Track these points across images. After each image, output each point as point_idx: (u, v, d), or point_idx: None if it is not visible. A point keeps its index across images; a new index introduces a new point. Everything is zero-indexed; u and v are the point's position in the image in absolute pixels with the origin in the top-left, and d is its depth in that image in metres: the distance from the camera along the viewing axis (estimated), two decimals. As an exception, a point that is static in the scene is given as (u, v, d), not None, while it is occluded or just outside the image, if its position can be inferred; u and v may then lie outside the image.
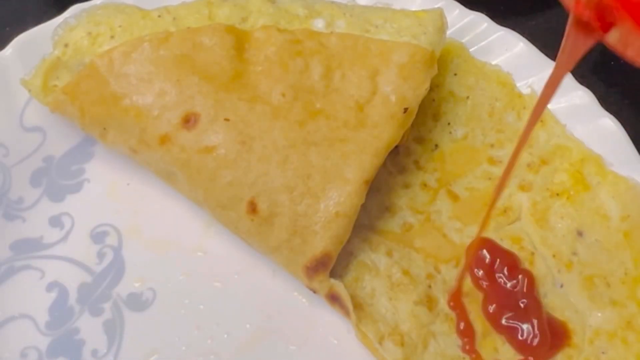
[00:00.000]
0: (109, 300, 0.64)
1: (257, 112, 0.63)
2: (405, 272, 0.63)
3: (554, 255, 0.64)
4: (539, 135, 0.70)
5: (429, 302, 0.62)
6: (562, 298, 0.63)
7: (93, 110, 0.65)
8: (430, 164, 0.70)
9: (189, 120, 0.63)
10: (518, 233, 0.66)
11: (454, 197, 0.68)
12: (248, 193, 0.61)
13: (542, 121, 0.70)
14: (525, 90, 0.72)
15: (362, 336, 0.61)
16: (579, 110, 0.70)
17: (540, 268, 0.64)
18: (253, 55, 0.65)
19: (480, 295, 0.63)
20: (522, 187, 0.68)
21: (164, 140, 0.63)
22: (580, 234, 0.65)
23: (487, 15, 0.76)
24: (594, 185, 0.66)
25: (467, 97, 0.73)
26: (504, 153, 0.70)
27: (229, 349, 0.62)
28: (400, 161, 0.70)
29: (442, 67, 0.73)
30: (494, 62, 0.74)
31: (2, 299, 0.64)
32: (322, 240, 0.60)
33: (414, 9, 0.72)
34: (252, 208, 0.61)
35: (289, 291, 0.65)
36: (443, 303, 0.62)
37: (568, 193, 0.67)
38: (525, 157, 0.69)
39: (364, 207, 0.63)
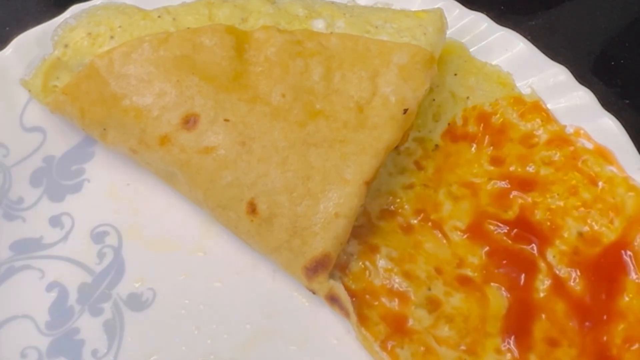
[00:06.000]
0: (109, 300, 0.64)
1: (257, 112, 0.63)
2: (405, 274, 0.63)
3: (554, 256, 0.64)
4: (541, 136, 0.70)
5: (429, 304, 0.62)
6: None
7: (93, 110, 0.65)
8: (431, 165, 0.70)
9: (188, 121, 0.63)
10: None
11: (455, 198, 0.68)
12: (248, 194, 0.61)
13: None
14: (525, 90, 0.72)
15: (362, 338, 0.61)
16: (579, 110, 0.70)
17: (541, 268, 0.64)
18: (253, 55, 0.65)
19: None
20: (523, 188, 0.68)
21: (164, 140, 0.63)
22: (580, 234, 0.65)
23: (487, 15, 0.76)
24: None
25: (467, 97, 0.73)
26: (504, 153, 0.70)
27: (229, 349, 0.62)
28: (400, 161, 0.70)
29: (442, 67, 0.73)
30: (494, 62, 0.74)
31: (2, 299, 0.64)
32: (321, 241, 0.60)
33: (414, 9, 0.72)
34: (252, 209, 0.61)
35: (289, 291, 0.65)
36: (444, 304, 0.62)
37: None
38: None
39: (363, 207, 0.63)
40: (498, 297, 0.63)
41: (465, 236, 0.66)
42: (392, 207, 0.68)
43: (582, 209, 0.66)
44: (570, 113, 0.70)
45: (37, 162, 0.71)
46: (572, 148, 0.68)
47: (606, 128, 0.69)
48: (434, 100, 0.73)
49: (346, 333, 0.62)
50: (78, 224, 0.68)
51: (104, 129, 0.66)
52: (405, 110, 0.64)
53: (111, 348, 0.62)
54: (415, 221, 0.67)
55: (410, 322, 0.61)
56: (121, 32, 0.66)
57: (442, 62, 0.73)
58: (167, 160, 0.64)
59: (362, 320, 0.61)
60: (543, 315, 0.62)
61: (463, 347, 0.60)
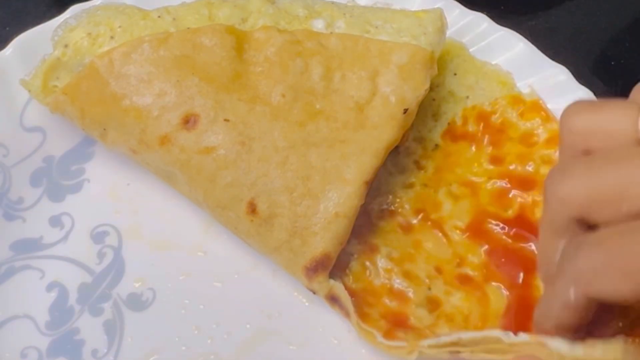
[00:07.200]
0: (109, 300, 0.64)
1: (257, 112, 0.63)
2: (405, 273, 0.63)
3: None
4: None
5: (430, 304, 0.62)
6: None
7: (93, 110, 0.65)
8: (431, 164, 0.70)
9: (188, 121, 0.63)
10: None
11: (454, 197, 0.68)
12: (248, 194, 0.61)
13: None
14: (525, 90, 0.72)
15: (364, 333, 0.60)
16: (579, 110, 0.70)
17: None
18: (253, 55, 0.65)
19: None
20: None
21: (164, 140, 0.63)
22: (580, 234, 0.65)
23: (487, 15, 0.76)
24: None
25: (467, 97, 0.73)
26: (504, 152, 0.70)
27: (229, 349, 0.62)
28: (400, 161, 0.70)
29: (442, 67, 0.73)
30: (494, 62, 0.74)
31: (2, 299, 0.64)
32: (321, 241, 0.60)
33: (414, 9, 0.72)
34: (252, 209, 0.61)
35: (289, 291, 0.65)
36: (445, 304, 0.62)
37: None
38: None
39: (363, 207, 0.63)
40: (498, 296, 0.63)
41: (465, 235, 0.66)
42: (392, 206, 0.68)
43: (581, 207, 0.66)
44: (570, 113, 0.70)
45: (37, 162, 0.71)
46: None
47: (606, 128, 0.68)
48: (433, 99, 0.73)
49: (347, 332, 0.62)
50: (78, 224, 0.68)
51: (104, 129, 0.66)
52: (405, 110, 0.64)
53: (111, 348, 0.62)
54: (415, 221, 0.67)
55: (411, 321, 0.61)
56: (121, 32, 0.66)
57: (442, 62, 0.73)
58: (167, 160, 0.64)
59: (363, 317, 0.60)
60: None
61: None
